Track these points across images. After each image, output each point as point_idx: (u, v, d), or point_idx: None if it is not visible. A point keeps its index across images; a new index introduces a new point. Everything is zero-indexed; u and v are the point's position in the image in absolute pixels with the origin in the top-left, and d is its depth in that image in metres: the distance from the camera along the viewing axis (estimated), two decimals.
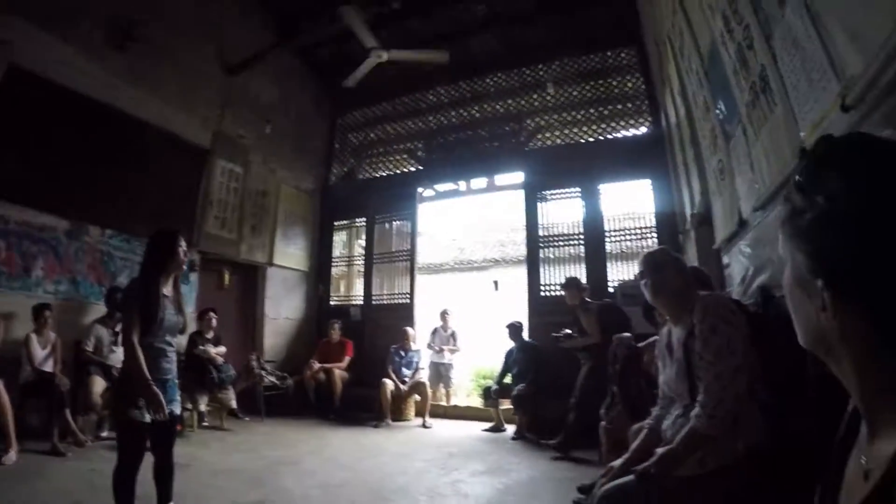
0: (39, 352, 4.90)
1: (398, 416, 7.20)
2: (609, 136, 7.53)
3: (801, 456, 0.82)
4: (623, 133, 7.48)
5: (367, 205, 8.97)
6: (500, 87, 8.42)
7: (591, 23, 7.47)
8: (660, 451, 2.01)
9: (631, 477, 1.97)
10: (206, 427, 6.11)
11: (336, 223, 9.42)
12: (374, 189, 9.05)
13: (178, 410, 2.92)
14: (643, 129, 7.30)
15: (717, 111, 3.50)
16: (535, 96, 8.12)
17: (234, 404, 6.42)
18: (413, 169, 8.96)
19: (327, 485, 4.06)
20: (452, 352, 8.10)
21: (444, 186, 8.96)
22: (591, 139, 7.64)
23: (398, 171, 9.11)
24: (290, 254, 8.64)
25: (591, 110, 7.69)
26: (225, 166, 7.41)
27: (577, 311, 5.81)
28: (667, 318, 2.37)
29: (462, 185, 8.81)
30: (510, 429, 6.48)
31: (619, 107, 7.51)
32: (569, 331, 5.89)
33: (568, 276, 6.79)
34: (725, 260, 4.06)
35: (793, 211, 0.67)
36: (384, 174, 9.25)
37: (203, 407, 6.18)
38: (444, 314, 8.27)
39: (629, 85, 7.48)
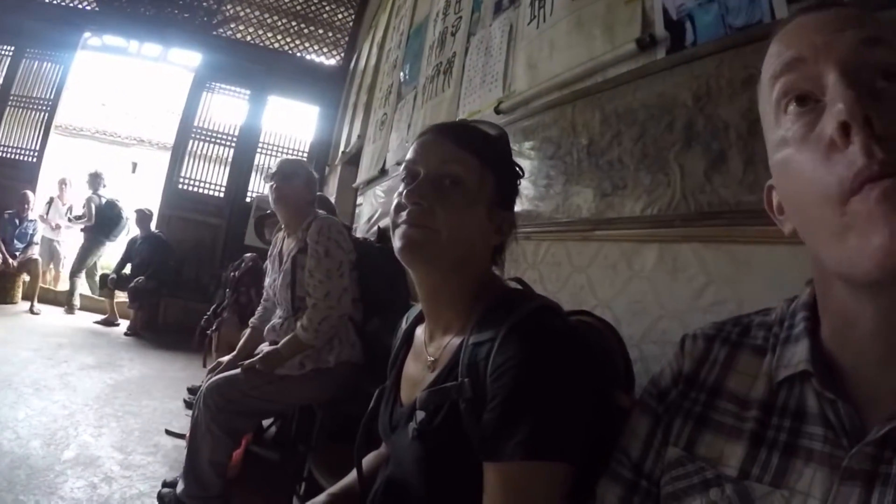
0: None
1: (3, 297, 6.12)
2: (298, 55, 7.46)
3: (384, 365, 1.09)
4: (312, 57, 7.52)
5: (21, 31, 6.79)
6: None
7: None
8: (266, 348, 2.21)
9: (238, 371, 2.12)
10: None
11: None
12: (34, 14, 6.85)
13: None
14: (332, 62, 7.47)
15: (403, 73, 3.88)
16: None
17: None
18: (88, 8, 7.07)
19: None
20: (68, 228, 7.12)
21: (115, 41, 7.38)
22: (281, 50, 7.42)
23: (70, 4, 7.05)
24: None
25: (294, 23, 7.45)
26: None
27: None
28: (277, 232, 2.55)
29: (134, 46, 7.41)
30: (124, 324, 6.06)
31: (321, 32, 7.49)
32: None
33: None
34: (360, 200, 4.54)
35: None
36: (54, 1, 7.04)
37: None
38: (62, 183, 7.18)
39: (339, 17, 7.50)
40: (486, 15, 2.48)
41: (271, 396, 2.12)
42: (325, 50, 7.52)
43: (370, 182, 4.17)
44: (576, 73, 1.61)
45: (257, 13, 7.44)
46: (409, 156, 0.91)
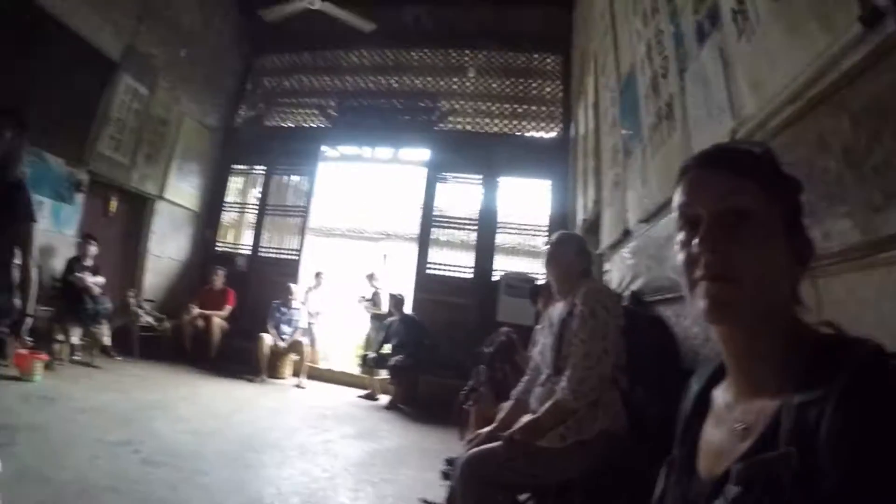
0: None
1: (274, 373, 7.14)
2: (518, 133, 7.85)
3: (653, 438, 0.97)
4: (533, 133, 7.83)
5: (268, 153, 8.71)
6: (423, 63, 8.48)
7: (522, 22, 7.75)
8: (525, 419, 2.18)
9: (496, 444, 2.11)
10: (76, 362, 5.77)
11: (234, 167, 9.05)
12: (278, 138, 8.79)
13: None
14: (552, 134, 7.68)
15: (624, 130, 3.77)
16: (455, 80, 8.24)
17: (107, 341, 6.11)
18: (321, 126, 8.78)
19: (198, 432, 4.01)
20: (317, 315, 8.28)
21: (350, 150, 8.85)
22: (501, 133, 7.90)
23: (306, 125, 8.90)
24: (183, 190, 8.20)
25: (507, 105, 7.95)
26: (130, 84, 6.91)
27: None
28: (545, 304, 2.53)
29: (367, 151, 8.75)
30: (384, 398, 6.60)
31: (534, 108, 7.84)
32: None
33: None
34: (606, 266, 4.40)
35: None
36: (291, 125, 8.99)
37: (75, 339, 5.79)
38: (318, 275, 8.36)
39: (548, 90, 7.82)
40: (691, 46, 2.35)
41: (529, 470, 2.07)
42: (542, 124, 7.81)
43: (614, 246, 4.05)
44: (804, 79, 1.40)
45: (471, 103, 8.12)
46: (678, 199, 0.82)
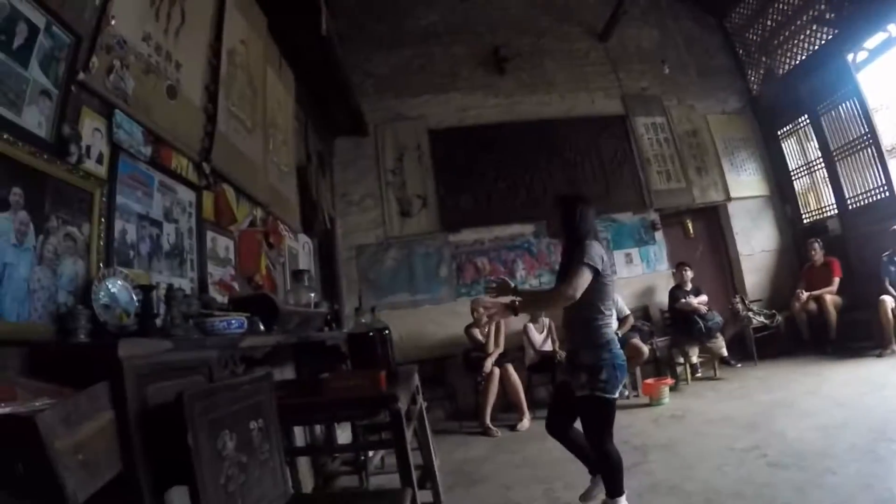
0: (538, 336, 5.97)
1: None
2: None
3: None
4: None
5: (801, 99, 7.56)
6: None
7: None
8: None
9: None
10: (699, 378, 6.31)
11: (779, 132, 8.24)
12: (799, 79, 7.57)
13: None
14: None
15: None
16: None
17: (724, 352, 6.42)
18: (829, 37, 7.09)
19: (824, 426, 3.73)
20: None
21: (875, 40, 6.77)
22: None
23: (815, 48, 7.36)
24: (745, 182, 8.09)
25: None
26: (646, 122, 7.78)
27: None
28: None
29: (893, 29, 6.46)
30: None
31: None
32: None
33: None
34: None
35: None
36: (802, 58, 7.60)
37: (695, 359, 6.35)
38: None
39: None
40: None
41: None
42: None
43: None
44: None
45: None
46: None
